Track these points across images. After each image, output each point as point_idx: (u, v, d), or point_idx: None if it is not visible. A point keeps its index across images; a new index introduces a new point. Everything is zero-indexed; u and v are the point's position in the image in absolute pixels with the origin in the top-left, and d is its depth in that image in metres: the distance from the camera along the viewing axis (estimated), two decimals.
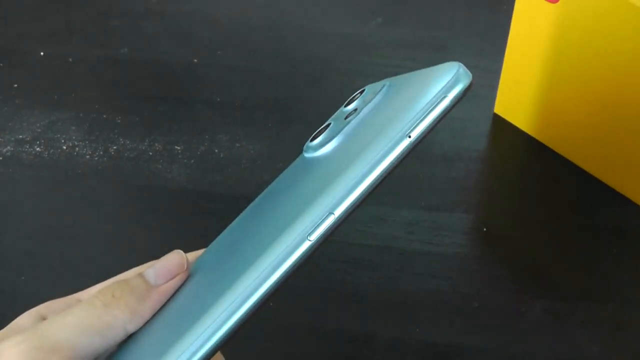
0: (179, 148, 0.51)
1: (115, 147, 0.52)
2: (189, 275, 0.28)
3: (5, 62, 0.59)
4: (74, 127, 0.53)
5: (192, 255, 0.31)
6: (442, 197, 0.47)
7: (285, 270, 0.23)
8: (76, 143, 0.52)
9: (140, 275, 0.28)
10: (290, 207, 0.25)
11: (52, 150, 0.51)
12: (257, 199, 0.31)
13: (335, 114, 0.30)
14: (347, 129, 0.27)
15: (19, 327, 0.27)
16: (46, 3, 0.64)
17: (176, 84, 0.56)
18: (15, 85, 0.57)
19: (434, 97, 0.24)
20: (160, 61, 0.58)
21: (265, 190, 0.31)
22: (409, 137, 0.24)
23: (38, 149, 0.52)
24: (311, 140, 0.29)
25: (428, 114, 0.24)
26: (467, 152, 0.50)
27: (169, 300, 0.27)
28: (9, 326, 0.28)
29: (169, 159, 0.51)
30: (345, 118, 0.28)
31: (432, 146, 0.50)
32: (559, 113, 0.48)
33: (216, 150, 0.51)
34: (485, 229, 0.46)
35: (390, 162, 0.24)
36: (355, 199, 0.24)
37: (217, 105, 0.54)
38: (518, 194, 0.48)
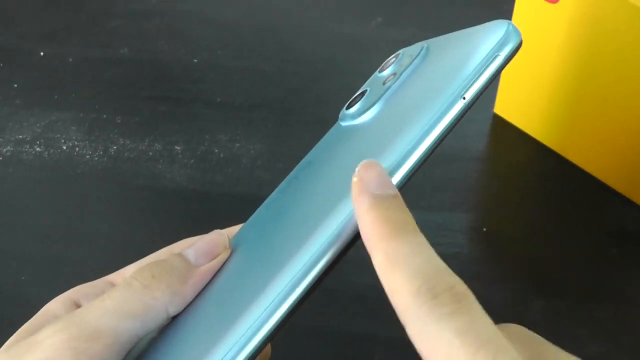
0: (179, 148, 0.51)
1: (115, 147, 0.52)
2: (231, 253, 0.27)
3: (5, 62, 0.59)
4: (74, 127, 0.53)
5: (230, 231, 0.29)
6: (442, 197, 0.47)
7: (340, 245, 0.24)
8: (76, 143, 0.52)
9: (180, 254, 0.26)
10: (339, 179, 0.24)
11: (52, 150, 0.51)
12: (294, 172, 0.29)
13: (369, 80, 0.29)
14: (388, 94, 0.26)
15: (52, 314, 0.26)
16: (46, 3, 0.64)
17: (176, 84, 0.56)
18: (15, 85, 0.57)
19: (486, 56, 0.23)
20: (160, 61, 0.58)
21: (302, 162, 0.29)
22: (464, 98, 0.23)
23: (38, 149, 0.52)
24: (348, 107, 0.27)
25: (481, 73, 0.23)
26: (467, 152, 0.50)
27: (210, 281, 0.26)
28: (40, 313, 0.26)
29: (169, 159, 0.51)
30: (384, 83, 0.27)
31: None
32: (560, 113, 0.48)
33: (216, 150, 0.51)
34: (485, 229, 0.46)
35: (447, 125, 0.23)
36: (415, 162, 0.23)
37: (217, 105, 0.54)
38: (518, 194, 0.48)
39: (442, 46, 0.26)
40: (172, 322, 0.25)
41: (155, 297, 0.24)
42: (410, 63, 0.26)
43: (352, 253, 0.47)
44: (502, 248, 0.45)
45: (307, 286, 0.23)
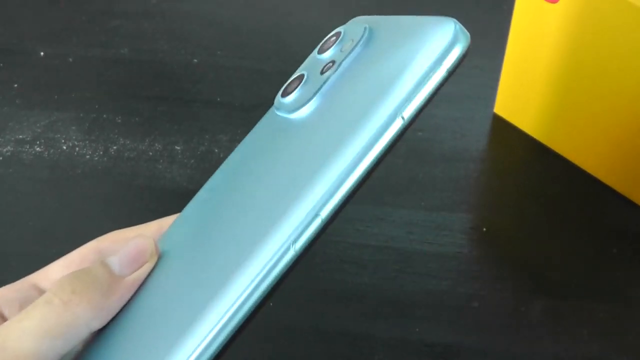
0: (179, 148, 0.51)
1: (115, 147, 0.52)
2: (159, 257, 0.25)
3: (5, 62, 0.59)
4: (74, 127, 0.53)
5: (154, 228, 0.28)
6: (442, 197, 0.47)
7: (272, 280, 0.21)
8: (76, 143, 0.52)
9: (103, 263, 0.24)
10: (271, 191, 0.22)
11: (52, 150, 0.51)
12: (228, 160, 0.28)
13: (308, 60, 0.27)
14: (325, 88, 0.24)
15: None
16: (46, 3, 0.64)
17: (176, 84, 0.56)
18: (15, 85, 0.57)
19: (429, 67, 0.21)
20: (160, 61, 0.58)
21: (236, 151, 0.28)
22: (402, 117, 0.21)
23: (38, 149, 0.52)
24: (283, 95, 0.26)
25: (422, 87, 0.21)
26: (467, 152, 0.50)
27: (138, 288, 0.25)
28: None
29: (169, 159, 0.51)
30: (322, 72, 0.25)
31: (432, 146, 0.50)
32: (559, 113, 0.48)
33: (216, 150, 0.51)
34: (485, 229, 0.46)
35: (383, 148, 0.21)
36: (344, 195, 0.21)
37: (217, 105, 0.54)
38: (518, 194, 0.48)
39: (385, 36, 0.24)
40: (99, 333, 0.24)
41: (76, 314, 0.23)
42: (351, 50, 0.24)
43: (352, 254, 0.47)
44: (502, 248, 0.45)
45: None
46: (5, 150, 0.52)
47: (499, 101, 0.52)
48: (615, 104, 0.44)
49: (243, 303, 0.21)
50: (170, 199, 0.48)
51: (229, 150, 0.51)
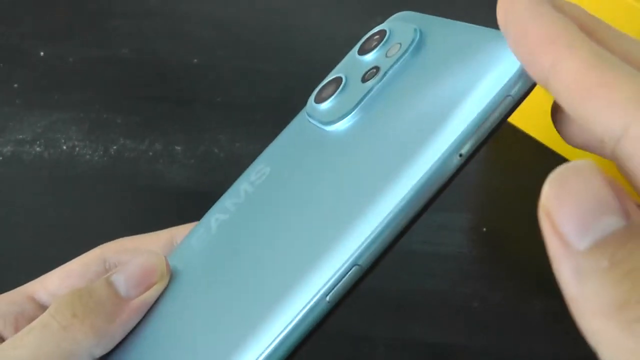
0: (179, 148, 0.51)
1: (115, 147, 0.52)
2: (172, 277, 0.23)
3: (5, 62, 0.59)
4: (74, 127, 0.53)
5: (164, 239, 0.25)
6: (442, 197, 0.47)
7: (300, 334, 0.18)
8: (76, 143, 0.52)
9: (108, 283, 0.22)
10: (306, 223, 0.20)
11: (52, 150, 0.51)
12: (255, 166, 0.25)
13: (346, 60, 0.24)
14: (367, 100, 0.21)
15: None
16: (46, 3, 0.64)
17: (176, 84, 0.56)
18: (15, 85, 0.57)
19: (494, 97, 0.18)
20: (160, 61, 0.58)
21: (265, 157, 0.25)
22: (460, 155, 0.19)
23: (38, 149, 0.52)
24: (317, 100, 0.23)
25: (483, 121, 0.18)
26: None
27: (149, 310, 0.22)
28: None
29: (169, 159, 0.51)
30: (364, 79, 0.22)
31: None
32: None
33: (216, 150, 0.51)
34: (485, 229, 0.46)
35: (436, 188, 0.19)
36: (387, 243, 0.19)
37: (217, 105, 0.54)
38: (518, 194, 0.48)
39: (437, 43, 0.22)
40: None
41: (76, 340, 0.20)
42: (398, 58, 0.21)
43: None
44: (502, 248, 0.45)
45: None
46: (5, 150, 0.52)
47: None
48: None
49: (272, 353, 0.18)
50: (170, 199, 0.48)
51: (229, 150, 0.51)
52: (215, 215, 0.24)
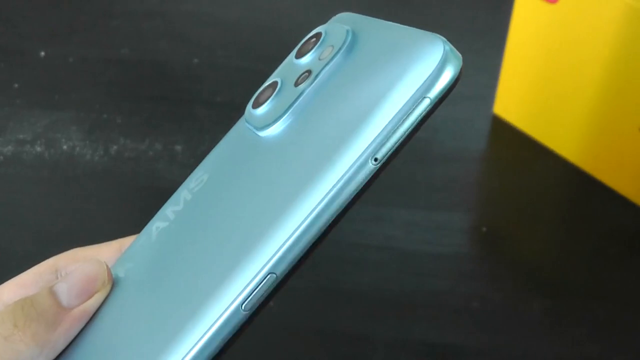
0: (179, 148, 0.51)
1: (115, 147, 0.52)
2: (114, 285, 0.23)
3: (5, 62, 0.59)
4: (74, 127, 0.53)
5: (114, 248, 0.26)
6: (442, 197, 0.47)
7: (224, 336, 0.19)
8: (76, 143, 0.52)
9: (51, 292, 0.22)
10: (230, 231, 0.20)
11: (52, 150, 0.51)
12: (195, 174, 0.25)
13: (284, 65, 0.24)
14: (298, 105, 0.21)
15: None
16: (46, 3, 0.64)
17: (176, 84, 0.56)
18: (16, 85, 0.57)
19: (410, 99, 0.18)
20: (160, 61, 0.58)
21: (204, 164, 0.26)
22: (375, 159, 0.18)
23: (38, 149, 0.52)
24: (254, 105, 0.23)
25: (399, 125, 0.18)
26: (467, 152, 0.50)
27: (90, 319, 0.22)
28: None
29: (169, 159, 0.51)
30: (296, 83, 0.22)
31: (432, 146, 0.50)
32: (559, 113, 0.48)
33: None
34: (485, 229, 0.46)
35: (350, 195, 0.18)
36: (301, 251, 0.19)
37: (217, 105, 0.54)
38: (518, 194, 0.48)
39: (368, 45, 0.21)
40: None
41: (18, 350, 0.20)
42: (329, 61, 0.21)
43: (352, 254, 0.47)
44: (502, 248, 0.45)
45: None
46: (5, 150, 0.52)
47: (499, 101, 0.52)
48: (614, 103, 0.44)
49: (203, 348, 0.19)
50: None
51: None
52: (156, 224, 0.25)
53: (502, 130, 0.52)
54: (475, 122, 0.52)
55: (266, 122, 0.22)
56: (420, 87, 0.18)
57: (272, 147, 0.21)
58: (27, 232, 0.47)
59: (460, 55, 0.19)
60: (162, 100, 0.55)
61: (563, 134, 0.48)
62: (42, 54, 0.59)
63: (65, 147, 0.52)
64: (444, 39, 0.19)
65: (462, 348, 0.40)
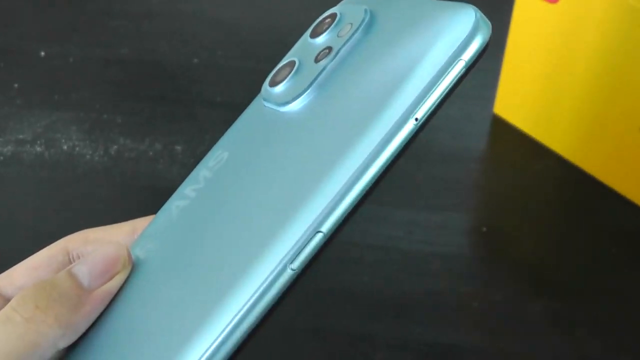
0: (179, 148, 0.51)
1: (115, 147, 0.52)
2: (134, 266, 0.23)
3: (5, 62, 0.59)
4: (74, 127, 0.53)
5: (126, 230, 0.25)
6: (442, 197, 0.47)
7: (265, 305, 0.18)
8: (76, 143, 0.52)
9: (71, 274, 0.22)
10: (265, 200, 0.20)
11: (52, 150, 0.51)
12: (211, 155, 0.25)
13: (298, 45, 0.25)
14: (321, 78, 0.21)
15: None
16: (46, 3, 0.64)
17: (176, 84, 0.56)
18: (15, 85, 0.57)
19: (445, 62, 0.19)
20: (160, 61, 0.58)
21: (220, 145, 0.25)
22: (416, 119, 0.19)
23: (38, 149, 0.52)
24: (272, 84, 0.23)
25: (438, 85, 0.19)
26: (467, 152, 0.50)
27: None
28: None
29: (169, 159, 0.51)
30: (317, 60, 0.22)
31: (432, 146, 0.50)
32: (559, 113, 0.48)
33: None
34: (485, 229, 0.46)
35: (391, 154, 0.19)
36: (348, 207, 0.19)
37: (217, 105, 0.54)
38: (518, 194, 0.48)
39: (391, 20, 0.21)
40: (68, 351, 0.22)
41: (40, 332, 0.20)
42: (350, 36, 0.21)
43: (352, 254, 0.47)
44: (502, 248, 0.45)
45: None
46: (5, 150, 0.52)
47: (499, 101, 0.52)
48: (614, 103, 0.44)
49: (234, 328, 0.19)
50: None
51: None
52: (175, 203, 0.25)
53: (502, 130, 0.52)
54: (475, 122, 0.52)
55: (288, 97, 0.22)
56: (456, 49, 0.19)
57: (298, 119, 0.21)
58: (27, 232, 0.47)
59: (489, 21, 0.19)
60: (162, 100, 0.55)
61: (563, 133, 0.48)
62: (42, 54, 0.59)
63: (65, 147, 0.52)
64: (473, 7, 0.19)
65: (462, 348, 0.40)
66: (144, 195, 0.48)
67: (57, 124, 0.53)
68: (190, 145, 0.51)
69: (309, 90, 0.21)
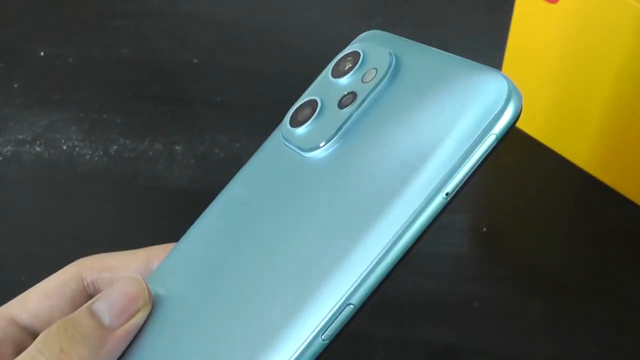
0: (179, 148, 0.51)
1: (115, 147, 0.52)
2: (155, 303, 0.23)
3: (5, 62, 0.59)
4: (74, 127, 0.53)
5: (141, 259, 0.26)
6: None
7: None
8: (76, 143, 0.52)
9: (91, 314, 0.22)
10: (293, 256, 0.20)
11: (52, 150, 0.51)
12: (231, 187, 0.24)
13: (319, 82, 0.24)
14: (346, 128, 0.21)
15: None
16: (46, 3, 0.64)
17: (176, 84, 0.56)
18: (15, 85, 0.57)
19: (478, 135, 0.18)
20: (160, 61, 0.58)
21: (241, 178, 0.24)
22: (446, 194, 0.19)
23: (38, 149, 0.52)
24: (293, 123, 0.23)
25: (468, 160, 0.19)
26: None
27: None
28: None
29: (169, 159, 0.51)
30: (340, 105, 0.22)
31: None
32: (559, 113, 0.48)
33: (216, 150, 0.51)
34: (485, 229, 0.46)
35: (421, 227, 0.19)
36: (377, 281, 0.19)
37: (217, 105, 0.54)
38: (518, 194, 0.48)
39: (414, 70, 0.21)
40: None
41: None
42: (376, 85, 0.21)
43: None
44: (502, 248, 0.45)
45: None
46: (5, 150, 0.52)
47: None
48: (615, 103, 0.44)
49: None
50: (170, 199, 0.48)
51: (229, 150, 0.51)
52: (195, 241, 0.24)
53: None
54: None
55: (312, 144, 0.22)
56: (488, 123, 0.19)
57: (324, 171, 0.21)
58: (26, 232, 0.47)
59: (520, 91, 0.19)
60: (162, 100, 0.55)
61: (564, 133, 0.48)
62: (42, 54, 0.59)
63: (65, 147, 0.52)
64: (504, 74, 0.19)
65: (462, 348, 0.40)
66: (144, 195, 0.48)
67: (57, 124, 0.53)
68: (190, 145, 0.51)
69: (333, 140, 0.21)
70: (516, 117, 0.19)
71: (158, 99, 0.55)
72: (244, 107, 0.54)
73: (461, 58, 0.20)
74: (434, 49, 0.22)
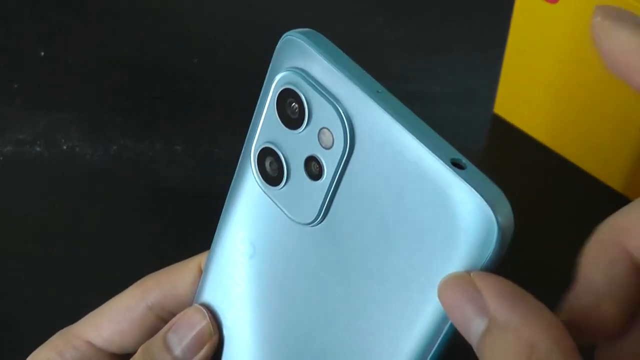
0: (179, 148, 0.51)
1: (115, 147, 0.52)
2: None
3: (5, 62, 0.59)
4: (74, 127, 0.53)
5: (194, 267, 0.28)
6: None
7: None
8: (76, 143, 0.52)
9: (164, 344, 0.25)
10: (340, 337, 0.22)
11: (52, 150, 0.51)
12: (237, 242, 0.26)
13: (267, 121, 0.24)
14: (328, 202, 0.22)
15: None
16: (46, 3, 0.64)
17: (176, 84, 0.56)
18: (15, 85, 0.57)
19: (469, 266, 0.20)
20: (160, 61, 0.58)
21: (241, 228, 0.26)
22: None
23: (38, 149, 0.52)
24: (264, 176, 0.24)
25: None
26: (467, 152, 0.50)
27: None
28: None
29: (169, 159, 0.51)
30: (310, 174, 0.22)
31: None
32: (559, 113, 0.48)
33: (216, 150, 0.51)
34: None
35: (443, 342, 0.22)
36: None
37: (217, 105, 0.54)
38: (518, 194, 0.48)
39: (370, 142, 0.21)
40: None
41: None
42: (340, 160, 0.21)
43: None
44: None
45: None
46: (5, 150, 0.52)
47: (499, 101, 0.52)
48: (614, 103, 0.44)
49: None
50: (170, 199, 0.48)
51: (229, 150, 0.51)
52: (205, 298, 0.26)
53: (502, 130, 0.51)
54: (475, 122, 0.52)
55: (299, 217, 0.23)
56: (486, 261, 0.20)
57: (326, 240, 0.22)
58: (26, 232, 0.47)
59: (512, 218, 0.19)
60: (162, 100, 0.55)
61: (564, 133, 0.48)
62: (42, 54, 0.59)
63: (65, 147, 0.52)
64: (493, 213, 0.19)
65: (462, 348, 0.40)
66: (144, 195, 0.48)
67: (57, 124, 0.53)
68: (190, 145, 0.51)
69: (320, 216, 0.22)
70: (508, 245, 0.20)
71: (158, 99, 0.55)
72: (244, 107, 0.54)
73: (410, 133, 0.22)
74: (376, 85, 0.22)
